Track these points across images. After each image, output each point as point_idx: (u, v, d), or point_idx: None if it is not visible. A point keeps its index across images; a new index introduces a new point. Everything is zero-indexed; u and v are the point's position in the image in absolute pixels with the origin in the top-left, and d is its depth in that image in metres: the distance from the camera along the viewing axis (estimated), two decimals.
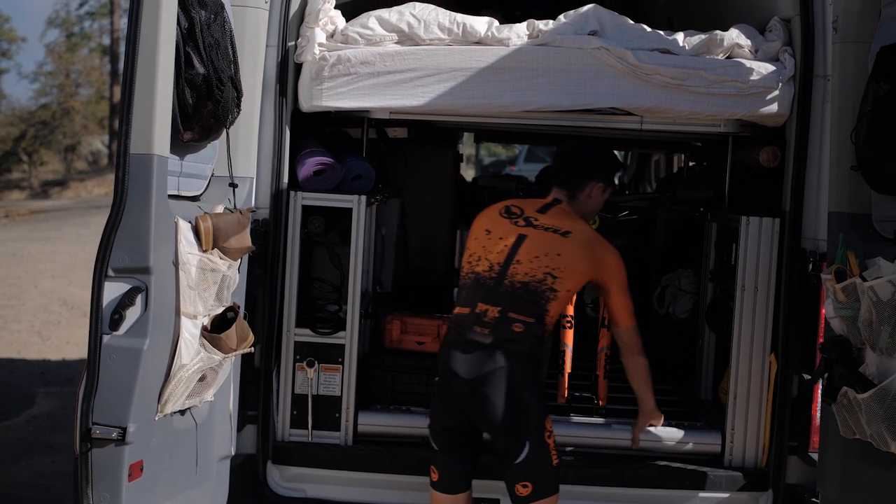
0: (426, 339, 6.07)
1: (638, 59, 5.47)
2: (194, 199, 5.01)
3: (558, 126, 5.89)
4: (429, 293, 7.20)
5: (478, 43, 5.57)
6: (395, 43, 5.60)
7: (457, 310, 5.14)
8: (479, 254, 5.20)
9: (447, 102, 5.55)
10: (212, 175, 5.15)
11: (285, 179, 5.61)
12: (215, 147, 5.10)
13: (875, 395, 4.48)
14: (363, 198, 5.64)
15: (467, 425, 5.04)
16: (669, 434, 5.79)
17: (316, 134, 6.00)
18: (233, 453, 5.27)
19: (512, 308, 4.99)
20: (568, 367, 6.06)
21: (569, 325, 6.06)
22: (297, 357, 5.68)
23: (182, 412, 4.80)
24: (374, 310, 6.23)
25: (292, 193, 5.62)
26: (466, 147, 29.34)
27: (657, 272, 7.27)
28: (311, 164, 5.64)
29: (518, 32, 5.59)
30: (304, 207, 5.65)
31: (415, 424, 5.76)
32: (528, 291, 5.02)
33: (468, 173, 25.81)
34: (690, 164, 7.84)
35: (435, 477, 5.18)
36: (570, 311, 6.05)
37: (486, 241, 5.22)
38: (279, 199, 5.57)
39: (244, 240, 4.80)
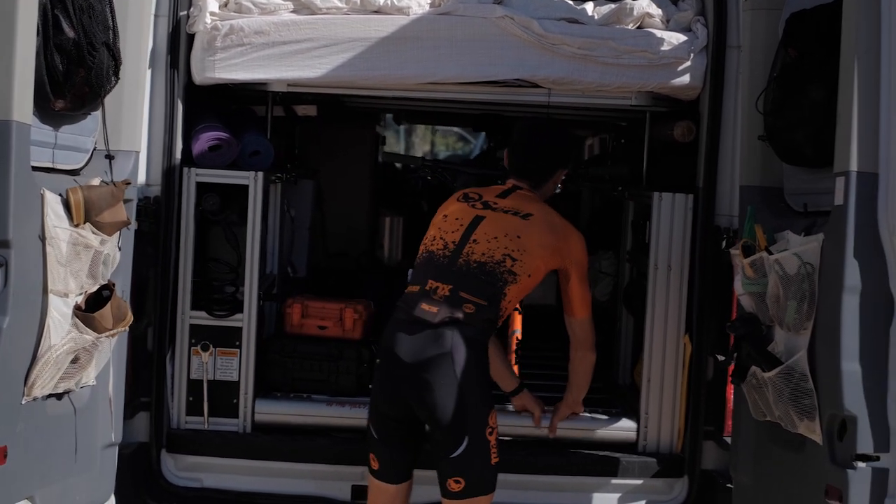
0: (328, 323, 5.75)
1: (544, 29, 5.27)
2: (73, 172, 4.76)
3: (464, 101, 5.69)
4: (347, 279, 6.98)
5: (377, 12, 5.35)
6: (291, 12, 5.37)
7: (409, 288, 4.84)
8: (434, 234, 4.92)
9: (346, 74, 5.33)
10: (94, 149, 4.90)
11: (178, 155, 5.38)
12: (97, 120, 4.85)
13: (781, 373, 4.31)
14: (260, 175, 5.42)
15: (407, 412, 4.71)
16: (583, 422, 5.56)
17: (216, 110, 5.76)
18: (115, 440, 5.01)
19: (464, 287, 4.70)
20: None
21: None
22: (193, 341, 5.45)
23: (58, 396, 4.56)
24: (281, 293, 6.00)
25: (185, 170, 5.39)
26: (423, 141, 29.12)
27: None
28: (205, 139, 5.42)
29: (419, 1, 5.38)
30: (199, 184, 5.42)
31: (315, 413, 5.57)
32: (485, 272, 4.73)
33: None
34: (616, 143, 7.65)
35: (375, 465, 4.83)
36: None
37: (443, 224, 4.94)
38: (171, 176, 5.34)
39: (119, 213, 4.56)
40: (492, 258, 4.73)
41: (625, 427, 5.55)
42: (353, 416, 5.42)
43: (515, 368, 5.74)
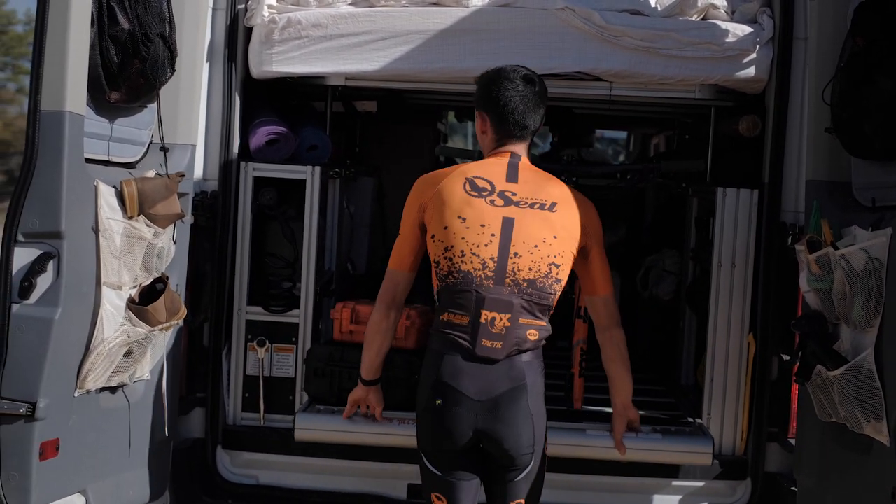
0: None
1: (605, 21, 5.17)
2: (129, 165, 4.75)
3: None
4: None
5: (436, 4, 5.28)
6: (349, 4, 5.32)
7: (448, 316, 4.26)
8: (460, 247, 4.23)
9: (405, 67, 5.27)
10: (150, 142, 4.88)
11: (235, 149, 5.34)
12: (153, 112, 4.84)
13: (846, 371, 4.19)
14: (318, 169, 5.36)
15: (473, 444, 4.28)
16: (655, 444, 5.15)
17: (274, 104, 5.72)
18: (170, 436, 4.98)
19: (522, 313, 4.22)
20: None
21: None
22: (249, 336, 5.40)
23: (112, 390, 4.55)
24: (339, 289, 5.94)
25: (243, 164, 5.35)
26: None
27: (643, 252, 6.95)
28: (262, 134, 5.38)
29: None
30: (256, 179, 5.37)
31: (360, 430, 5.05)
32: (536, 289, 4.23)
33: None
34: (681, 139, 7.52)
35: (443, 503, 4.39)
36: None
37: (465, 232, 4.24)
38: (228, 170, 5.30)
39: (173, 206, 4.53)
40: (539, 272, 4.25)
41: (699, 449, 5.23)
42: (402, 432, 4.89)
43: (580, 384, 5.48)
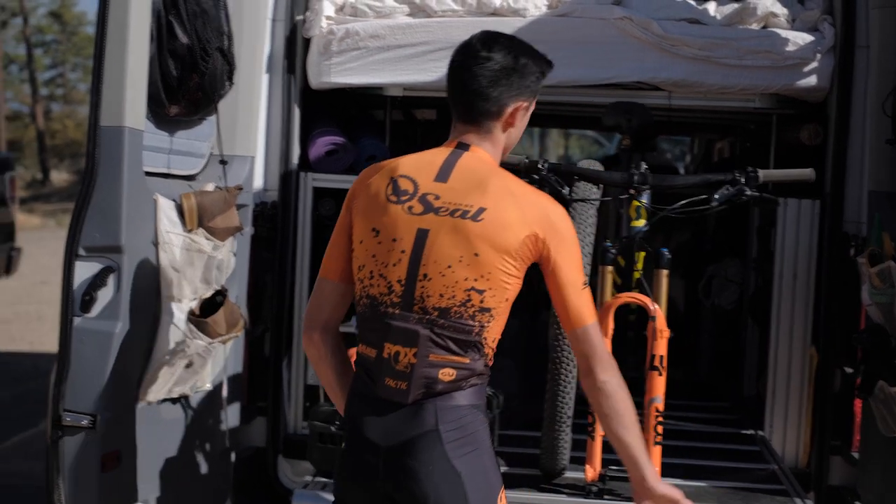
0: None
1: (664, 30, 5.14)
2: (189, 178, 4.80)
3: (581, 104, 5.56)
4: None
5: (493, 14, 5.29)
6: (407, 15, 5.34)
7: (361, 348, 3.42)
8: (369, 267, 3.36)
9: None
10: (210, 154, 4.93)
11: (295, 160, 5.37)
12: (213, 125, 4.88)
13: None
14: None
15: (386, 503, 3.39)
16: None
17: (333, 114, 5.75)
18: (231, 445, 5.03)
19: (433, 348, 3.27)
20: (601, 429, 4.27)
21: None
22: None
23: (174, 401, 4.60)
24: None
25: (302, 174, 5.38)
26: (556, 145, 28.96)
27: (706, 261, 6.89)
28: (322, 144, 5.41)
29: (536, 2, 5.30)
30: (315, 189, 5.40)
31: None
32: (451, 321, 3.27)
33: None
34: (743, 147, 7.45)
35: None
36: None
37: (376, 248, 3.36)
38: (288, 181, 5.33)
39: (231, 219, 4.57)
40: (453, 299, 3.27)
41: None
42: None
43: (657, 451, 4.59)
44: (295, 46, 5.35)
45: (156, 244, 4.28)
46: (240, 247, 4.92)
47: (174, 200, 4.40)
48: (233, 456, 5.13)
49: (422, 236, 3.31)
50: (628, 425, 3.34)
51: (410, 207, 3.32)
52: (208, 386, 4.78)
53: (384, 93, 5.49)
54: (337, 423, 4.53)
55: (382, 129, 5.84)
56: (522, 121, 3.44)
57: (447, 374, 3.27)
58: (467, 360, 3.28)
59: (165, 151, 4.59)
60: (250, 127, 5.12)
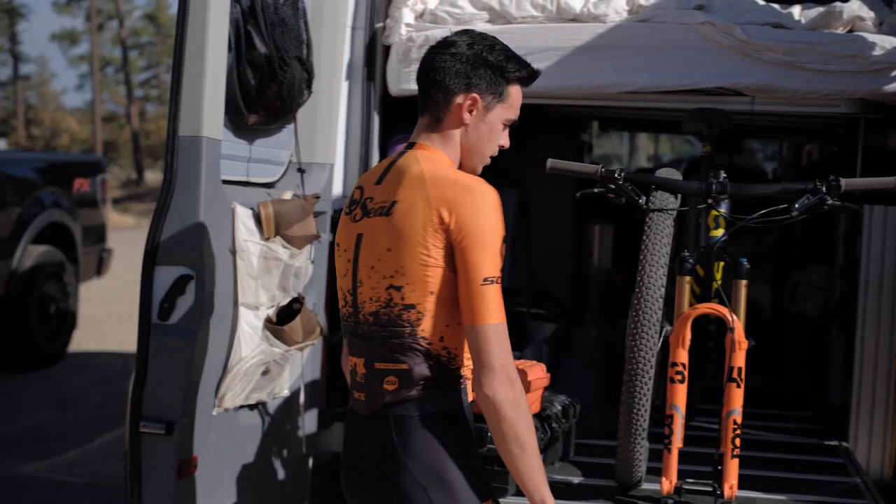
0: None
1: (747, 34, 5.06)
2: (268, 185, 4.82)
3: (661, 109, 5.49)
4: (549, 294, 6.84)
5: (573, 20, 5.26)
6: (486, 21, 5.32)
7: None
8: (338, 282, 3.35)
9: (541, 84, 5.06)
10: (289, 162, 4.95)
11: (373, 166, 5.37)
12: (292, 132, 4.90)
13: None
14: None
15: None
16: None
17: (413, 121, 5.74)
18: (308, 451, 5.04)
19: (376, 356, 3.14)
20: (678, 440, 4.45)
21: (679, 377, 4.41)
22: None
23: (250, 407, 4.62)
24: None
25: None
26: (647, 144, 28.71)
27: (791, 267, 6.79)
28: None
29: (616, 8, 5.25)
30: None
31: None
32: (383, 325, 3.11)
33: None
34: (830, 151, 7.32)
35: None
36: (683, 357, 4.41)
37: (338, 262, 3.34)
38: None
39: (309, 227, 4.58)
40: (379, 300, 3.12)
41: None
42: None
43: (733, 466, 4.40)
44: (375, 54, 5.36)
45: (233, 252, 4.31)
46: (318, 254, 4.94)
47: (252, 209, 4.43)
48: (310, 462, 5.15)
49: (357, 242, 3.23)
50: (515, 450, 2.97)
51: (355, 215, 3.26)
52: (286, 392, 4.81)
53: None
54: None
55: None
56: (483, 123, 3.20)
57: (391, 383, 3.11)
58: (406, 366, 3.09)
59: (244, 160, 4.61)
60: (329, 134, 5.13)
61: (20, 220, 10.02)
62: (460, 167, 3.22)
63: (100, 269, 11.65)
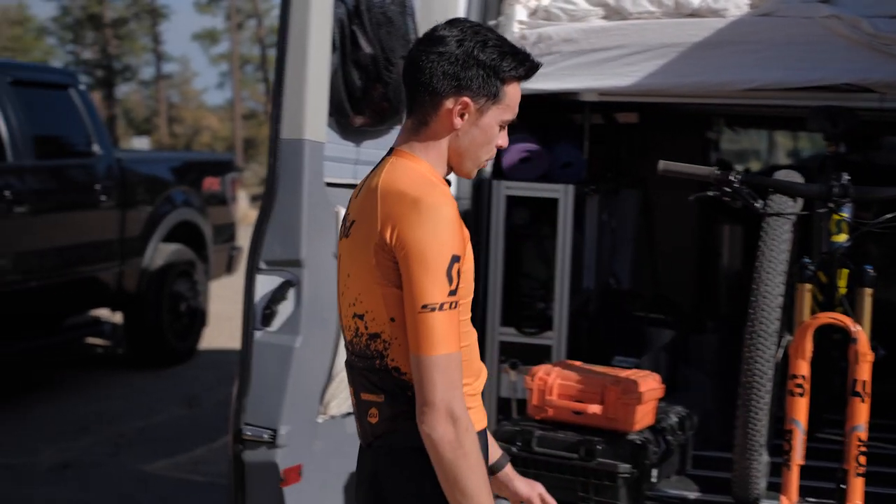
0: (587, 405, 4.31)
1: (875, 28, 4.82)
2: None
3: (785, 106, 5.27)
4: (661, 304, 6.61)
5: (692, 15, 5.07)
6: (601, 18, 5.17)
7: None
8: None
9: (659, 82, 5.07)
10: None
11: (488, 168, 5.27)
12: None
13: None
14: (571, 188, 5.24)
15: None
16: None
17: (528, 120, 5.62)
18: None
19: (360, 386, 2.91)
20: (798, 456, 4.19)
21: (799, 390, 4.13)
22: (502, 357, 5.32)
23: None
24: (598, 309, 5.79)
25: (495, 183, 5.28)
26: (785, 141, 28.01)
27: None
28: (515, 151, 5.31)
29: (737, 2, 5.06)
30: (509, 198, 5.29)
31: None
32: (358, 353, 2.89)
33: None
34: None
35: None
36: (804, 369, 4.13)
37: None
38: (480, 189, 5.24)
39: None
40: (350, 329, 2.91)
41: None
42: None
43: (859, 486, 4.14)
44: None
45: (336, 256, 4.23)
46: None
47: None
48: None
49: (337, 266, 3.00)
50: (457, 495, 2.68)
51: (341, 233, 2.99)
52: None
53: (578, 98, 5.33)
54: (518, 443, 4.39)
55: (579, 135, 5.69)
56: (477, 127, 2.85)
57: (373, 416, 2.87)
58: (382, 398, 2.83)
59: (352, 162, 4.54)
60: None
61: (151, 219, 10.14)
62: (453, 172, 2.92)
63: (230, 266, 11.75)
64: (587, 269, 5.71)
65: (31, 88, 8.95)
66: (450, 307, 2.66)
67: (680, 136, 6.86)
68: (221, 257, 11.39)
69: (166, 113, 44.12)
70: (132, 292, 9.93)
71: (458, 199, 5.16)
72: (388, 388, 2.81)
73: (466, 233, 2.77)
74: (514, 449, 4.45)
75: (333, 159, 4.32)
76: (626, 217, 6.44)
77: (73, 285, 9.20)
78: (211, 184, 11.23)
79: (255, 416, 4.04)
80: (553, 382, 4.34)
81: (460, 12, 5.12)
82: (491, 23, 5.23)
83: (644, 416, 4.29)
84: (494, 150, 2.94)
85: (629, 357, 5.21)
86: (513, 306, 5.39)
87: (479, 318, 5.30)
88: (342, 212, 4.24)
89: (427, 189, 2.73)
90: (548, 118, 5.86)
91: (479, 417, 2.88)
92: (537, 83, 5.14)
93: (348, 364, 2.95)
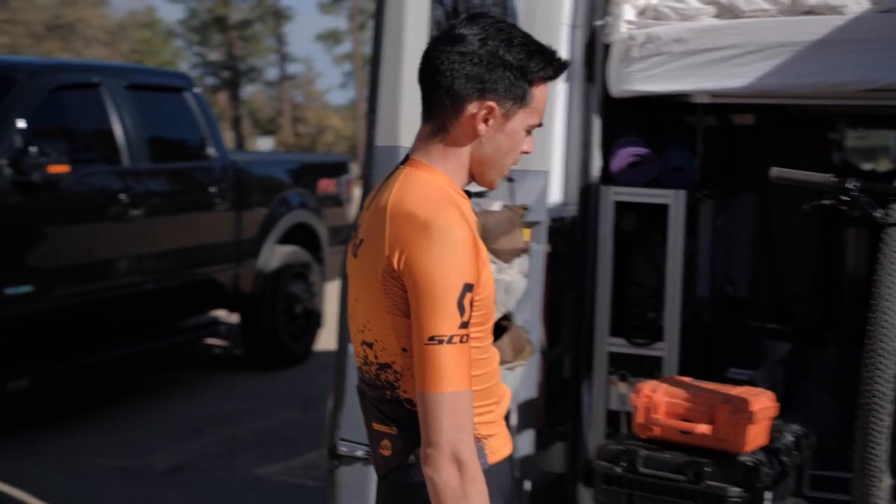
0: (695, 424, 4.06)
1: None
2: (479, 195, 4.61)
3: None
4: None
5: (808, 12, 4.83)
6: (713, 17, 4.96)
7: None
8: None
9: (774, 82, 4.84)
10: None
11: (595, 173, 5.11)
12: None
13: None
14: (682, 193, 5.04)
15: None
16: None
17: (637, 122, 5.45)
18: (520, 474, 4.82)
19: (371, 415, 2.75)
20: None
21: None
22: (611, 369, 5.15)
23: None
24: (712, 318, 5.59)
25: (603, 188, 5.11)
26: None
27: None
28: (624, 155, 5.13)
29: None
30: (617, 203, 5.12)
31: None
32: (367, 383, 2.74)
33: None
34: None
35: None
36: None
37: None
38: (587, 195, 5.07)
39: (516, 240, 4.34)
40: (359, 356, 2.74)
41: None
42: None
43: None
44: (594, 53, 5.08)
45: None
46: (533, 266, 4.69)
47: None
48: (527, 485, 4.92)
49: (347, 285, 2.78)
50: None
51: (350, 251, 2.76)
52: None
53: (689, 100, 5.14)
54: (623, 463, 4.21)
55: (690, 137, 5.49)
56: (502, 132, 2.65)
57: (385, 448, 2.68)
58: (394, 431, 2.65)
59: None
60: (544, 140, 4.88)
61: (267, 221, 10.17)
62: (474, 181, 2.73)
63: None
64: (701, 277, 5.51)
65: (146, 92, 9.01)
66: (460, 340, 2.46)
67: (799, 138, 6.60)
68: (337, 259, 11.39)
69: (290, 113, 44.65)
70: (248, 294, 9.98)
71: (564, 205, 5.02)
72: (401, 420, 2.63)
73: (485, 255, 2.58)
74: (618, 469, 4.27)
75: None
76: (742, 222, 6.22)
77: (188, 287, 9.27)
78: (326, 185, 11.23)
79: (350, 430, 3.96)
80: (659, 400, 4.13)
81: (565, 12, 4.96)
82: (598, 23, 5.07)
83: (756, 436, 4.07)
84: (519, 158, 2.74)
85: (744, 369, 5.01)
86: (622, 316, 5.21)
87: (586, 327, 5.14)
88: None
89: (439, 210, 2.51)
90: (658, 120, 5.66)
91: (502, 444, 2.72)
92: (646, 85, 5.01)
93: (358, 390, 2.78)
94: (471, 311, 2.48)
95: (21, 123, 7.51)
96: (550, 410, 5.10)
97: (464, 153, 2.66)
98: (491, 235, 4.25)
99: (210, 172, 9.50)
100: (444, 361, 2.45)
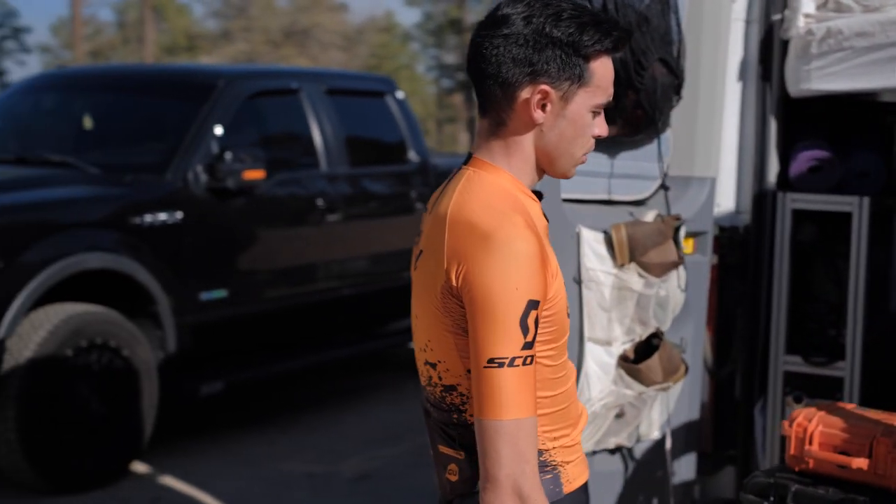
0: (854, 458, 3.56)
1: None
2: (637, 203, 4.33)
3: None
4: None
5: None
6: None
7: None
8: None
9: None
10: (664, 175, 4.42)
11: (772, 178, 4.75)
12: (667, 142, 4.37)
13: None
14: (866, 200, 4.63)
15: None
16: None
17: (819, 123, 5.04)
18: (680, 500, 4.51)
19: (437, 437, 2.50)
20: None
21: None
22: (787, 389, 4.78)
23: (611, 452, 4.17)
24: None
25: (779, 195, 4.74)
26: None
27: None
28: (803, 160, 4.76)
29: None
30: (794, 211, 4.74)
31: None
32: (433, 405, 2.48)
33: None
34: None
35: None
36: None
37: None
38: (762, 202, 4.72)
39: (667, 253, 4.03)
40: (423, 375, 2.50)
41: None
42: None
43: None
44: (770, 50, 4.72)
45: (578, 281, 3.86)
46: (696, 279, 4.38)
47: (604, 232, 3.96)
48: None
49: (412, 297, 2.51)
50: None
51: (413, 262, 2.50)
52: (656, 434, 4.30)
53: (877, 99, 4.73)
54: (772, 498, 3.84)
55: (882, 140, 5.05)
56: (563, 118, 2.36)
57: (452, 473, 2.43)
58: (462, 456, 2.40)
59: (605, 176, 4.16)
60: (711, 144, 4.55)
61: None
62: (546, 174, 2.45)
63: None
64: (893, 292, 5.07)
65: (345, 97, 8.99)
66: (523, 362, 2.22)
67: None
68: None
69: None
70: None
71: (736, 213, 4.69)
72: (468, 445, 2.36)
73: (555, 265, 2.32)
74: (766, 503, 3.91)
75: (584, 173, 3.93)
76: None
77: (386, 292, 9.20)
78: None
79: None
80: (814, 430, 3.74)
81: (739, 7, 4.63)
82: (775, 17, 4.71)
83: None
84: (592, 143, 2.45)
85: None
86: (799, 333, 4.82)
87: (760, 344, 4.79)
88: (585, 232, 3.88)
89: (501, 219, 2.26)
90: (843, 122, 5.24)
91: (578, 471, 2.47)
92: (827, 83, 4.62)
93: (424, 409, 2.53)
94: (535, 329, 2.23)
95: (218, 130, 7.57)
96: (720, 433, 4.78)
97: (527, 146, 2.39)
98: (640, 248, 3.96)
99: (410, 177, 9.42)
100: (504, 386, 2.21)
